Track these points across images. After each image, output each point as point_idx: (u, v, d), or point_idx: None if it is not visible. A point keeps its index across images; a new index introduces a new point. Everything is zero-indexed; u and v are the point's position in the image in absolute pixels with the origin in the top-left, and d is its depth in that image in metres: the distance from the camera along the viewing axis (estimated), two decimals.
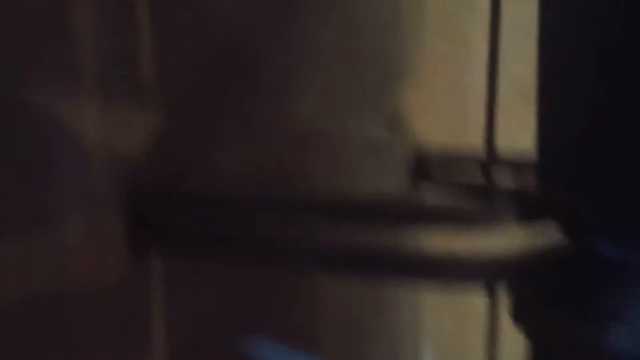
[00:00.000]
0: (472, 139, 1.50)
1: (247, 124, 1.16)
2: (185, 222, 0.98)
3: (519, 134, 1.20)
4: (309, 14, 1.27)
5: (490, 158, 1.06)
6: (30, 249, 0.87)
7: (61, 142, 0.90)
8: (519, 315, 0.74)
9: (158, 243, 0.99)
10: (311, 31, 1.28)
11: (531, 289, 0.72)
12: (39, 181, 0.88)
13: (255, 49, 1.17)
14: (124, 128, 0.98)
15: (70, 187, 0.91)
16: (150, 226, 0.97)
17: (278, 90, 1.22)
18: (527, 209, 0.72)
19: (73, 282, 0.92)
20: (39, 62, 0.87)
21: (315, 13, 1.29)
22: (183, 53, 1.05)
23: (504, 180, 1.04)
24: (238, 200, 0.95)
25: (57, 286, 0.90)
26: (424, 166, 1.40)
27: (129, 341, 0.99)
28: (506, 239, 0.74)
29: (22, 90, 0.86)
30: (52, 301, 0.90)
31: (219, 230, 0.97)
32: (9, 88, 0.85)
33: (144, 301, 1.01)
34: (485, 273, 0.71)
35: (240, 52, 1.15)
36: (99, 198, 0.94)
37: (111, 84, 0.95)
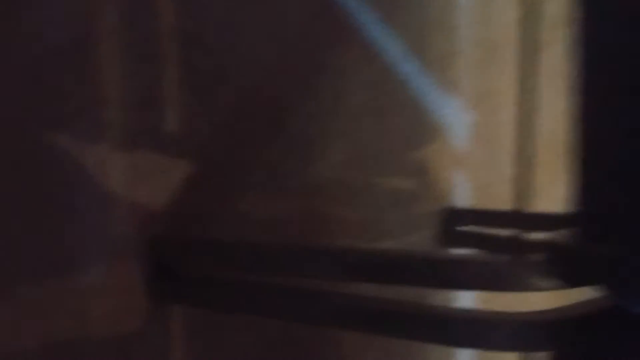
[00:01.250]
0: (501, 193, 1.47)
1: (271, 171, 1.15)
2: (206, 270, 0.95)
3: (550, 188, 1.17)
4: (337, 63, 1.27)
5: (522, 212, 1.02)
6: (49, 295, 0.86)
7: (83, 188, 0.89)
8: None
9: (178, 291, 0.96)
10: (339, 79, 1.27)
11: (569, 353, 0.68)
12: (59, 226, 0.87)
13: (282, 96, 1.17)
14: (146, 174, 0.97)
15: (91, 233, 0.90)
16: (170, 274, 0.95)
17: (304, 138, 1.21)
18: (563, 265, 0.69)
19: (91, 329, 0.90)
20: (63, 106, 0.87)
21: (344, 62, 1.28)
22: (208, 100, 1.05)
23: (538, 235, 1.01)
24: (260, 249, 0.93)
25: (75, 333, 0.88)
26: (452, 221, 1.36)
27: None
28: (542, 297, 0.70)
29: (43, 134, 0.85)
30: (70, 348, 0.87)
31: (240, 280, 0.94)
32: (32, 131, 0.84)
33: (162, 350, 0.98)
34: (521, 336, 0.67)
35: (266, 100, 1.14)
36: (120, 244, 0.93)
37: (135, 130, 0.95)
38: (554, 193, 1.31)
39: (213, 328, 1.04)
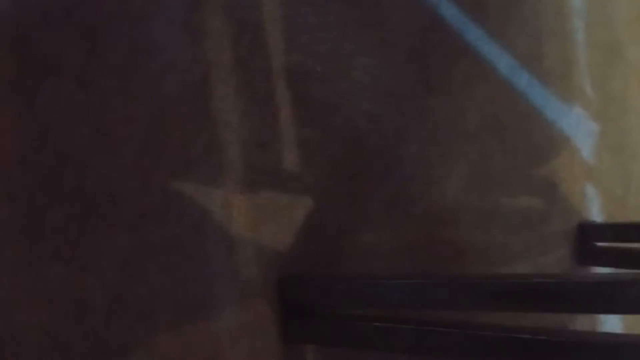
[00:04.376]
0: (637, 204, 1.36)
1: (392, 200, 1.12)
2: (337, 308, 0.93)
3: None
4: (449, 83, 1.23)
5: None
6: (184, 341, 0.86)
7: (210, 232, 0.89)
8: None
9: (310, 330, 0.94)
10: (457, 101, 1.23)
11: None
12: (189, 271, 0.87)
13: (399, 121, 1.14)
14: (270, 214, 0.96)
15: (221, 277, 0.90)
16: (301, 313, 0.93)
17: (424, 162, 1.17)
18: None
19: None
20: (187, 151, 0.88)
21: (456, 81, 1.24)
22: (323, 133, 1.03)
23: None
24: (391, 283, 0.89)
25: None
26: (589, 237, 1.27)
27: None
28: None
29: (170, 182, 0.87)
30: None
31: (373, 316, 0.90)
32: (159, 179, 0.85)
33: None
34: None
35: (384, 126, 1.11)
36: (249, 286, 0.92)
37: (256, 171, 0.95)
38: None
39: None
